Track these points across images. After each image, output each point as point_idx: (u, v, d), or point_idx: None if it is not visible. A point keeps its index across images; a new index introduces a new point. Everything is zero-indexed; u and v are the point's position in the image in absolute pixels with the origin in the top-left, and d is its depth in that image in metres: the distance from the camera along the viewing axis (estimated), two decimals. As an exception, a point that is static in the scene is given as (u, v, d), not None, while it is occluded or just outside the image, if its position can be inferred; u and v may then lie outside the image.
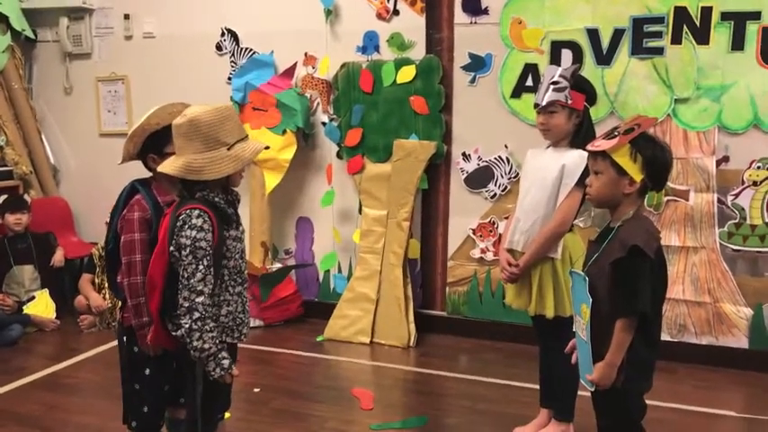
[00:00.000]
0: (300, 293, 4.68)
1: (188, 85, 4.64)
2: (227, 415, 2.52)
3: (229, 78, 4.67)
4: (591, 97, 2.84)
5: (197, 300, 2.04)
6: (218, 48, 4.72)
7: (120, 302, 2.48)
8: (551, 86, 2.74)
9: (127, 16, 4.95)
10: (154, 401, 2.44)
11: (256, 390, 3.54)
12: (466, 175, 4.24)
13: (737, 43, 3.63)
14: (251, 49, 4.63)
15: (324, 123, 4.51)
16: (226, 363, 2.10)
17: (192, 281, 2.04)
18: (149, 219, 2.30)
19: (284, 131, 4.47)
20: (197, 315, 2.04)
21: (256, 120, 4.51)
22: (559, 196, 2.75)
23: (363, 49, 4.35)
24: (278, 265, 4.65)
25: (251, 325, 2.39)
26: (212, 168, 2.06)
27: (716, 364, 3.82)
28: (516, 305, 2.94)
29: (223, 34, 4.69)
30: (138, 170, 2.45)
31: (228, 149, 2.08)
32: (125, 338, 2.40)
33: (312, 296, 4.74)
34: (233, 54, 4.69)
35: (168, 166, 2.10)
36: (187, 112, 2.08)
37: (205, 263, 2.05)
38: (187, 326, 2.05)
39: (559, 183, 2.74)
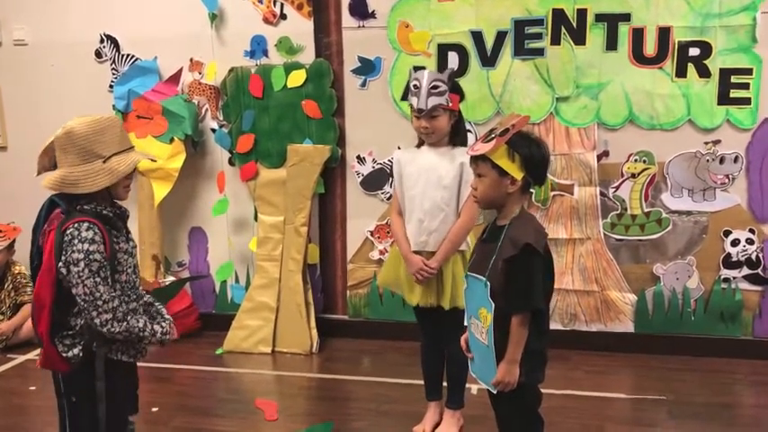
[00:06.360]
0: (196, 306, 4.55)
1: (67, 94, 4.42)
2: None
3: (111, 86, 4.48)
4: (462, 96, 2.96)
5: (106, 317, 2.00)
6: (98, 55, 4.50)
7: None
8: (431, 91, 2.82)
9: (-6, 22, 4.66)
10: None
11: (154, 409, 3.40)
12: (361, 177, 4.26)
13: (611, 43, 3.83)
14: (133, 56, 4.45)
15: (213, 130, 4.39)
16: (165, 322, 2.21)
17: (95, 297, 1.98)
18: None
19: (172, 139, 4.32)
20: (118, 326, 2.03)
21: (142, 128, 4.34)
22: (462, 193, 2.85)
23: (251, 54, 4.28)
24: (171, 278, 4.50)
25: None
26: (86, 182, 2.01)
27: (606, 350, 4.01)
28: (424, 303, 2.96)
29: (102, 41, 4.48)
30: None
31: (104, 162, 2.02)
32: None
33: (209, 308, 4.61)
34: (114, 61, 4.49)
35: (46, 180, 2.05)
36: (67, 124, 2.04)
37: (102, 275, 1.99)
38: (118, 334, 2.04)
39: (459, 180, 2.86)
